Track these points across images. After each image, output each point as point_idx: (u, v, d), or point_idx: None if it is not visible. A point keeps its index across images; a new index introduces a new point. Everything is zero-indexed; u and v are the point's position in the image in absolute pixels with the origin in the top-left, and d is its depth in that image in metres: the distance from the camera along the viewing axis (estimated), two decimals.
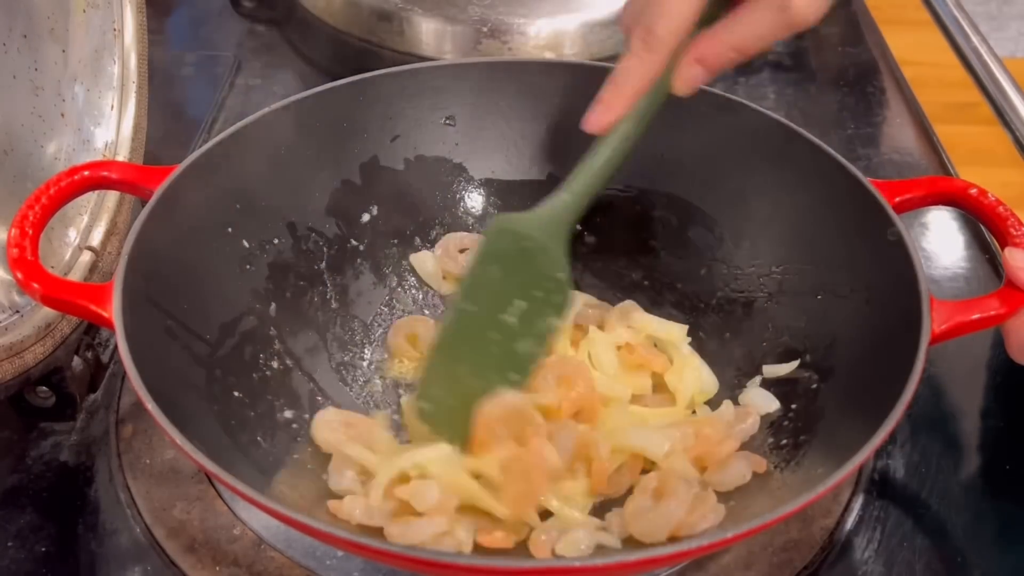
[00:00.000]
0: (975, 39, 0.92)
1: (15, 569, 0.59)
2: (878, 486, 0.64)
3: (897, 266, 0.58)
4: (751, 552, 0.59)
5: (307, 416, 0.64)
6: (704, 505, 0.56)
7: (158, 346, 0.57)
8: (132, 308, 0.54)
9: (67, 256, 0.68)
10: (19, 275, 0.54)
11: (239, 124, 0.65)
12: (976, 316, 0.55)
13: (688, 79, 0.59)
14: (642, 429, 0.61)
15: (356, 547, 0.48)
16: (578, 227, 0.74)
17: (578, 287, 0.72)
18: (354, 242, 0.72)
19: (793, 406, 0.63)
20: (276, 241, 0.68)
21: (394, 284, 0.74)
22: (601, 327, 0.69)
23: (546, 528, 0.57)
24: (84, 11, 0.71)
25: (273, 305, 0.67)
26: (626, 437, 0.60)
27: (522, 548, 0.56)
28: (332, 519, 0.56)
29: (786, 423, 0.62)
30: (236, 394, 0.61)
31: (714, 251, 0.71)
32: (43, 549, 0.60)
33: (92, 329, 0.70)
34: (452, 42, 0.94)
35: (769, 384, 0.65)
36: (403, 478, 0.57)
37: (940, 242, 0.84)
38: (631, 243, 0.74)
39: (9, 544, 0.61)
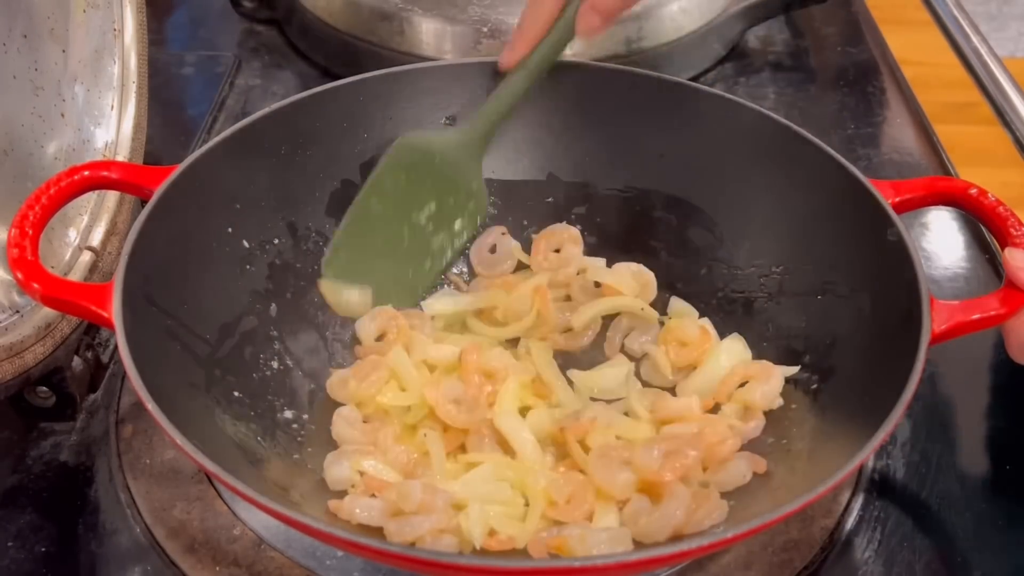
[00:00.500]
0: (975, 39, 0.92)
1: (15, 569, 0.59)
2: (878, 486, 0.64)
3: (897, 266, 0.58)
4: (751, 552, 0.59)
5: (307, 416, 0.64)
6: (708, 502, 0.56)
7: (158, 346, 0.57)
8: (132, 308, 0.54)
9: (67, 256, 0.68)
10: (19, 275, 0.54)
11: (239, 124, 0.65)
12: (976, 316, 0.55)
13: (586, 24, 0.66)
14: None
15: (356, 547, 0.48)
16: (578, 227, 0.74)
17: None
18: None
19: (793, 406, 0.63)
20: (276, 241, 0.68)
21: None
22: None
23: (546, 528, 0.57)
24: (84, 11, 0.71)
25: (273, 305, 0.67)
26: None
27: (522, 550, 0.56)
28: (332, 519, 0.56)
29: (786, 422, 0.62)
30: (236, 394, 0.61)
31: (714, 251, 0.71)
32: (43, 549, 0.60)
33: (92, 329, 0.70)
34: (452, 42, 0.94)
35: None
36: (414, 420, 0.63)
37: (940, 242, 0.83)
38: (631, 243, 0.74)
39: (9, 544, 0.60)
